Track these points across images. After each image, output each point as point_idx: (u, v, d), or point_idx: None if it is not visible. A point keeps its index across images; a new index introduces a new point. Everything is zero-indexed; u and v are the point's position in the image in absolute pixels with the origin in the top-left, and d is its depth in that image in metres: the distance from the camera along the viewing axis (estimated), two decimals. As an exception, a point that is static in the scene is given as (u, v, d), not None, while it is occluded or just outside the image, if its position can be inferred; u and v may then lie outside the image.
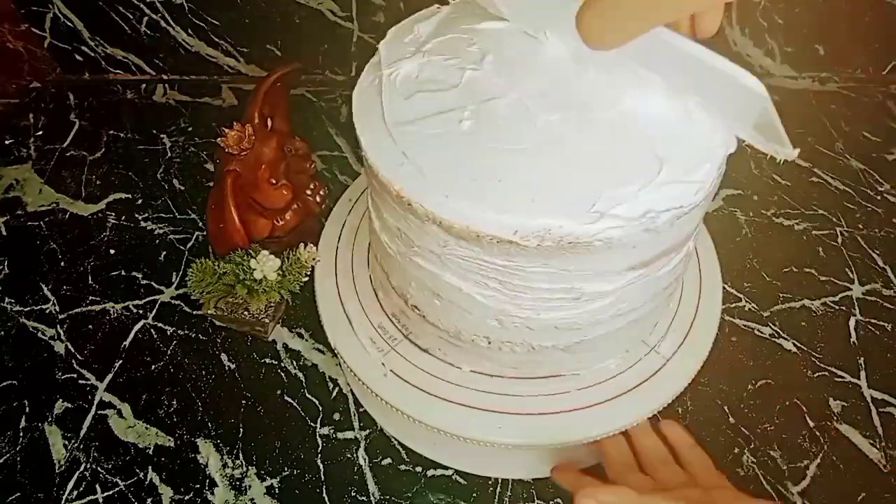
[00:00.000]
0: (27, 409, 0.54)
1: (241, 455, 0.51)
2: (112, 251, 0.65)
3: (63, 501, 0.48)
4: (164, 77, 0.85)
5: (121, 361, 0.57)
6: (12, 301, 0.61)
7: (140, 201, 0.70)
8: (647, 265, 0.35)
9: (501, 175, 0.33)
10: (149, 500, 0.48)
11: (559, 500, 0.48)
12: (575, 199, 0.32)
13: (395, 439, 0.51)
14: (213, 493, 0.49)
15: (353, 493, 0.48)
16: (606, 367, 0.44)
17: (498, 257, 0.33)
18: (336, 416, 0.53)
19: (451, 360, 0.44)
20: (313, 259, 0.52)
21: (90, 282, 0.63)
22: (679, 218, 0.32)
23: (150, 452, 0.51)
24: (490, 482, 0.49)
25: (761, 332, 0.57)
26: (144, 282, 0.62)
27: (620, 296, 0.36)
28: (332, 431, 0.52)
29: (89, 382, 0.55)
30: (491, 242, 0.32)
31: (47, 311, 0.60)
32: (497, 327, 0.38)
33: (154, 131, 0.78)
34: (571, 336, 0.39)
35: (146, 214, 0.68)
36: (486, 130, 0.35)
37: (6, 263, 0.65)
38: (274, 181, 0.56)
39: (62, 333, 0.59)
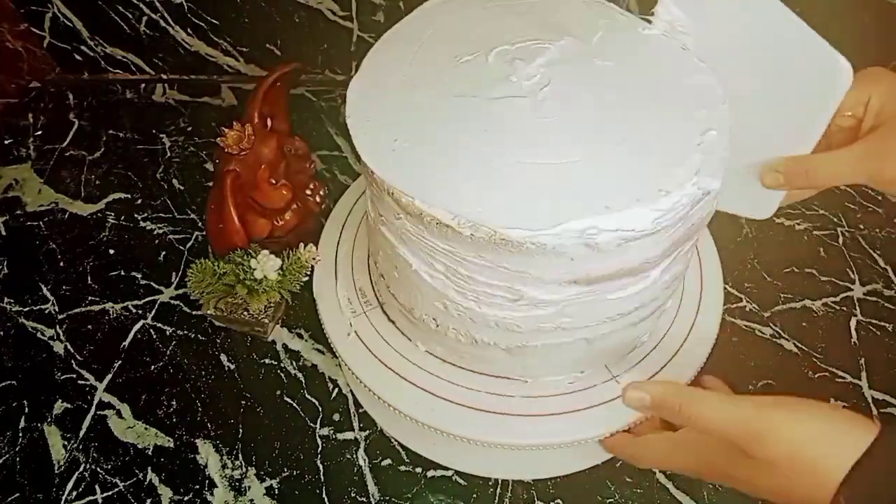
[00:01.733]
0: (26, 410, 0.54)
1: (240, 456, 0.50)
2: (111, 251, 0.65)
3: (62, 502, 0.48)
4: (164, 77, 0.84)
5: (120, 362, 0.56)
6: (11, 301, 0.61)
7: (139, 201, 0.70)
8: (591, 283, 0.35)
9: (459, 163, 0.34)
10: (148, 501, 0.48)
11: (559, 501, 0.48)
12: (520, 199, 0.32)
13: (395, 440, 0.51)
14: (212, 494, 0.48)
15: (352, 494, 0.48)
16: (559, 381, 0.43)
17: (440, 240, 0.34)
18: (336, 417, 0.53)
19: (409, 336, 0.45)
20: (313, 259, 0.52)
21: (89, 282, 0.63)
22: (627, 242, 0.32)
23: (150, 453, 0.51)
24: (490, 483, 0.49)
25: (762, 333, 0.57)
26: (144, 282, 0.62)
27: (563, 309, 0.36)
28: (331, 432, 0.52)
29: (88, 383, 0.55)
30: (431, 223, 0.33)
31: (46, 312, 0.60)
32: (442, 311, 0.39)
33: (153, 131, 0.77)
34: (512, 338, 0.39)
35: (145, 214, 0.68)
36: (460, 120, 0.36)
37: (5, 263, 0.64)
38: (274, 181, 0.56)
39: (61, 334, 0.59)
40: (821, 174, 0.39)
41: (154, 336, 0.58)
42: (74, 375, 0.56)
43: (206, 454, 0.51)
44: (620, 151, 0.34)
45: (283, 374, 0.55)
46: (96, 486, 0.49)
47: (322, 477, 0.49)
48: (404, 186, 0.33)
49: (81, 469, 0.50)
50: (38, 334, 0.59)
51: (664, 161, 0.34)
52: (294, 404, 0.53)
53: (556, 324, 0.37)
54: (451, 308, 0.38)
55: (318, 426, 0.52)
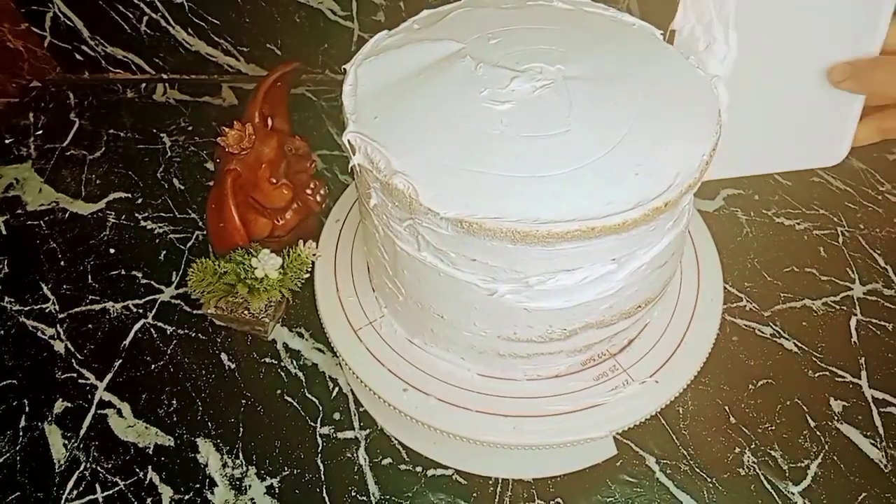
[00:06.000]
0: (27, 409, 0.54)
1: (241, 455, 0.51)
2: (112, 250, 0.65)
3: (63, 501, 0.48)
4: (164, 76, 0.85)
5: (120, 361, 0.57)
6: (12, 300, 0.61)
7: (140, 200, 0.70)
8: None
9: (517, 174, 0.33)
10: (149, 500, 0.48)
11: (559, 500, 0.48)
12: (611, 179, 0.33)
13: (396, 439, 0.51)
14: (212, 493, 0.48)
15: (353, 493, 0.48)
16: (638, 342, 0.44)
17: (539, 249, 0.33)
18: (336, 416, 0.53)
19: (501, 374, 0.44)
20: (314, 255, 0.52)
21: (90, 281, 0.63)
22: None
23: (150, 452, 0.51)
24: (490, 482, 0.49)
25: (762, 332, 0.57)
26: (144, 281, 0.62)
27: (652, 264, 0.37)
28: (332, 431, 0.52)
29: (89, 382, 0.55)
30: (549, 237, 0.32)
31: (47, 311, 0.60)
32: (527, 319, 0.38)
33: (154, 130, 0.78)
34: (601, 313, 0.39)
35: (146, 214, 0.68)
36: (491, 134, 0.35)
37: (6, 263, 0.65)
38: (274, 180, 0.56)
39: (62, 333, 0.59)
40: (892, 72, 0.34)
41: (154, 335, 0.58)
42: (75, 374, 0.56)
43: (207, 453, 0.51)
44: (653, 102, 0.36)
45: (283, 374, 0.55)
46: (97, 486, 0.49)
47: (322, 476, 0.49)
48: (489, 213, 0.32)
49: (82, 468, 0.50)
50: (39, 333, 0.59)
51: (684, 94, 0.36)
52: (294, 403, 0.53)
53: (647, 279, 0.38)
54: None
55: (318, 425, 0.52)
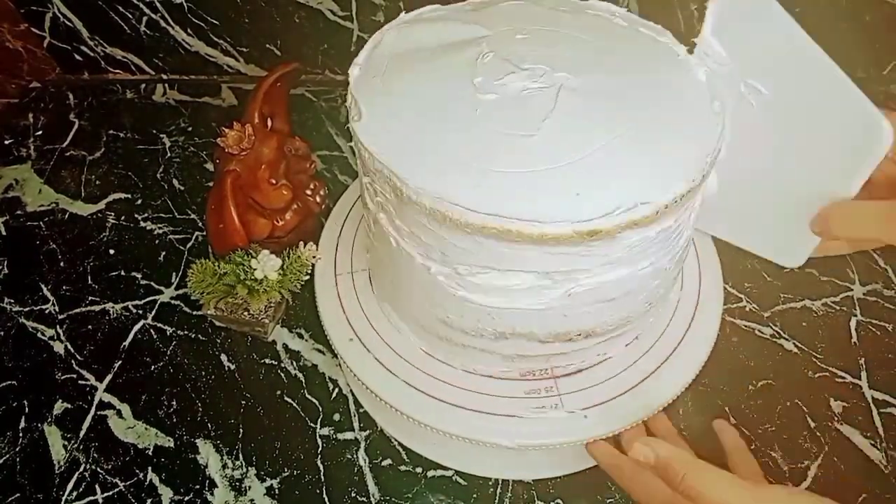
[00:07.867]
0: (27, 410, 0.54)
1: (240, 456, 0.51)
2: (112, 251, 0.65)
3: (63, 502, 0.48)
4: (164, 77, 0.85)
5: (120, 362, 0.57)
6: (12, 301, 0.61)
7: (140, 201, 0.70)
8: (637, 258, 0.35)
9: (498, 171, 0.33)
10: (148, 501, 0.48)
11: (559, 501, 0.48)
12: (573, 193, 0.32)
13: (396, 440, 0.51)
14: (212, 494, 0.48)
15: (353, 494, 0.48)
16: (593, 371, 0.44)
17: (492, 245, 0.33)
18: (336, 417, 0.53)
19: (441, 358, 0.45)
20: (314, 257, 0.52)
21: (90, 282, 0.63)
22: (668, 210, 0.32)
23: (150, 453, 0.51)
24: (490, 482, 0.49)
25: (762, 333, 0.57)
26: (144, 282, 0.62)
27: (603, 285, 0.36)
28: (332, 432, 0.52)
29: (89, 383, 0.55)
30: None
31: (47, 312, 0.60)
32: (477, 321, 0.39)
33: (154, 131, 0.78)
34: (554, 324, 0.38)
35: (146, 214, 0.68)
36: (480, 129, 0.35)
37: (6, 263, 0.65)
38: (274, 181, 0.56)
39: (62, 334, 0.59)
40: (856, 222, 0.35)
41: (154, 336, 0.58)
42: (75, 375, 0.56)
43: (207, 454, 0.51)
44: (639, 129, 0.35)
45: (283, 374, 0.55)
46: (96, 487, 0.49)
47: (322, 477, 0.49)
48: (460, 201, 0.32)
49: (82, 469, 0.50)
50: (39, 334, 0.59)
51: (680, 130, 0.35)
52: (294, 404, 0.53)
53: (597, 299, 0.37)
54: (486, 317, 0.38)
55: (318, 426, 0.52)
